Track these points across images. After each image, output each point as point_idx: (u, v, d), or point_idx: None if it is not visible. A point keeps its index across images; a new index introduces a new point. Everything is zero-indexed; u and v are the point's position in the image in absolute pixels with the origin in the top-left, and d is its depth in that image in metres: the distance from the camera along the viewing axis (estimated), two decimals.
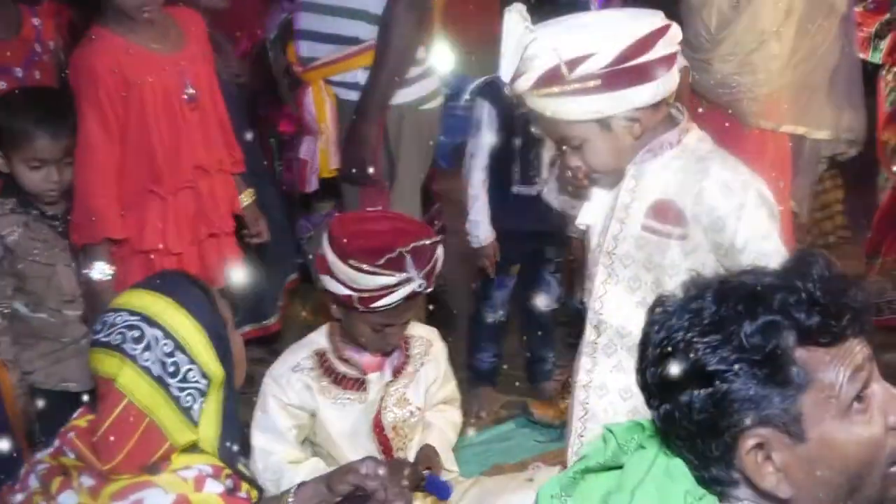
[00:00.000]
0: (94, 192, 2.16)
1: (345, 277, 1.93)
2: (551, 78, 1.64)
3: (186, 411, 1.44)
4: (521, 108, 1.80)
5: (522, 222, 3.07)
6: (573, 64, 1.62)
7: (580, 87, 1.63)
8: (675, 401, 0.92)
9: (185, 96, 2.22)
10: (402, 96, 2.56)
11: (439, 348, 2.23)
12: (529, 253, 3.20)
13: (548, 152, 3.05)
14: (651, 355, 0.95)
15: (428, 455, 2.10)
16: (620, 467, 0.97)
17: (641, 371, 0.98)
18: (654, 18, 1.69)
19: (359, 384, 2.10)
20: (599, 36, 1.65)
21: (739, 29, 2.85)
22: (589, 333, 1.87)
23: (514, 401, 3.24)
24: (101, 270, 2.14)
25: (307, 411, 2.08)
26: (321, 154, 2.63)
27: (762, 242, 1.69)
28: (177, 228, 2.23)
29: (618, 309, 1.82)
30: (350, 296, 1.94)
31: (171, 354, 1.44)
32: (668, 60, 1.68)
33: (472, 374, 3.18)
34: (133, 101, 2.16)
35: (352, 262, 1.91)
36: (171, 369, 1.43)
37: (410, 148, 2.63)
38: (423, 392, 2.16)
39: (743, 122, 2.91)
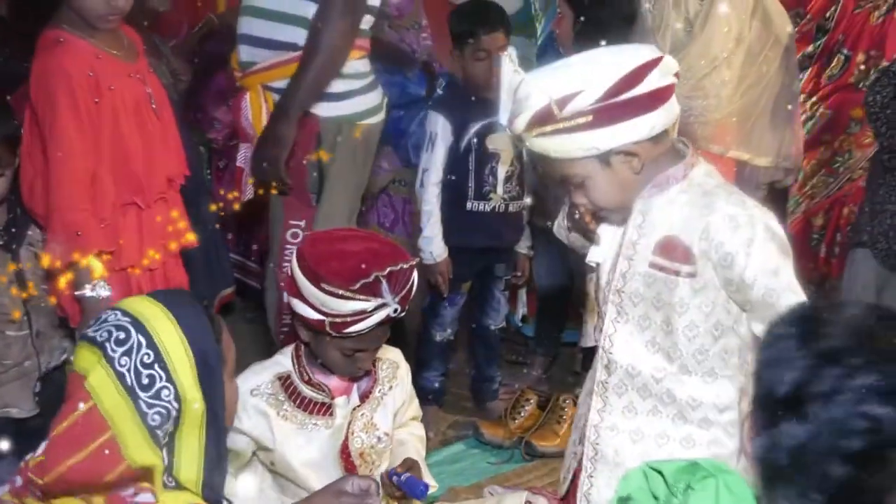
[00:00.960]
0: (74, 205, 2.00)
1: (316, 302, 1.85)
2: (544, 117, 1.64)
3: (152, 430, 1.33)
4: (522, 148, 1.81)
5: (476, 239, 3.07)
6: (563, 102, 1.62)
7: (572, 124, 1.63)
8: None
9: (153, 105, 2.11)
10: (340, 109, 2.51)
11: (405, 369, 2.17)
12: (481, 270, 3.19)
13: (503, 167, 3.06)
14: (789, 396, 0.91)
15: (411, 466, 2.03)
16: None
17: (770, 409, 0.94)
18: (641, 51, 1.69)
19: (325, 409, 2.01)
20: (586, 72, 1.66)
21: (692, 53, 2.91)
22: (600, 373, 1.83)
23: (462, 421, 3.22)
24: (96, 287, 1.99)
25: (259, 443, 1.98)
26: None
27: (772, 278, 1.68)
28: (152, 242, 2.11)
29: (628, 348, 1.79)
30: (322, 321, 1.85)
31: (148, 366, 1.33)
32: (664, 92, 1.67)
33: (418, 394, 3.11)
34: (105, 108, 2.02)
35: (324, 286, 1.82)
36: (145, 381, 1.32)
37: (345, 163, 2.55)
38: (391, 416, 2.10)
39: (692, 145, 2.98)
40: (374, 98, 2.62)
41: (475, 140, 3.00)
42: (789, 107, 3.16)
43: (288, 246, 2.54)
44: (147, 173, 2.11)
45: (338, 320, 1.84)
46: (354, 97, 2.53)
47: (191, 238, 2.22)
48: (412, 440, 2.17)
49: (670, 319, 1.73)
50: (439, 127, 3.00)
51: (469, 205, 3.03)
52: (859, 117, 3.58)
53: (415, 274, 1.93)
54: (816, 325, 0.93)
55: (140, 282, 2.08)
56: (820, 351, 0.90)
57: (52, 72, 1.99)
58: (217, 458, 1.42)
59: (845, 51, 3.69)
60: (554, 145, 1.68)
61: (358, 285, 1.81)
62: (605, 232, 1.83)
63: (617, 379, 1.81)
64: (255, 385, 1.99)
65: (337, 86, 2.48)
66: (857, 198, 3.42)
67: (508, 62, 1.72)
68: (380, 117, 2.66)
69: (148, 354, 1.33)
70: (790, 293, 1.69)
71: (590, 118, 1.63)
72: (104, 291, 2.00)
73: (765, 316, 1.68)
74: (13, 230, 2.09)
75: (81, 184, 2.00)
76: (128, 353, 1.33)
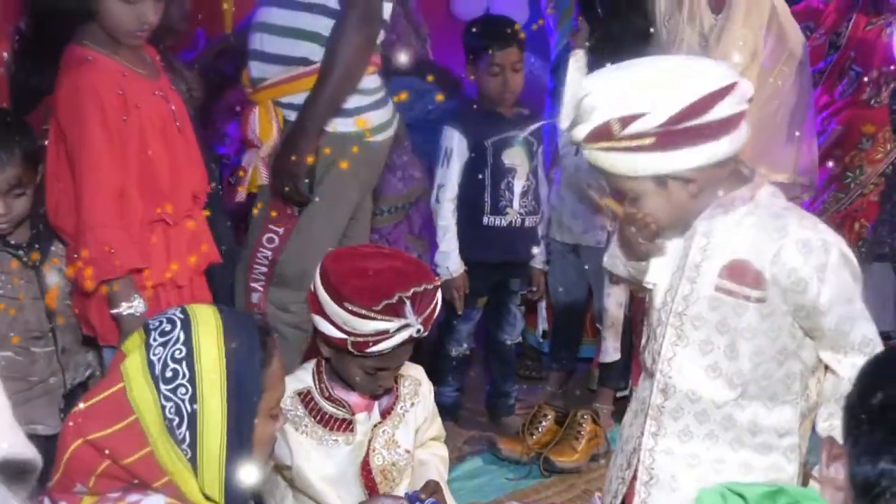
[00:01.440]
0: (106, 222, 1.99)
1: (339, 320, 1.83)
2: (603, 133, 1.60)
3: (170, 426, 1.31)
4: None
5: (492, 254, 3.08)
6: (625, 121, 1.58)
7: (632, 144, 1.59)
8: None
9: (177, 122, 2.11)
10: (348, 125, 2.50)
11: (427, 387, 2.16)
12: (497, 285, 3.18)
13: (519, 182, 3.06)
14: None
15: (434, 489, 2.01)
16: None
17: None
18: (721, 72, 1.64)
19: (346, 425, 1.99)
20: (656, 94, 1.60)
21: None
22: (655, 396, 1.78)
23: (477, 436, 3.20)
24: (134, 306, 1.98)
25: (276, 460, 1.97)
26: (253, 169, 2.55)
27: (847, 306, 1.64)
28: (180, 260, 2.10)
29: (688, 373, 1.74)
30: (344, 339, 1.84)
31: (177, 361, 1.32)
32: (734, 120, 1.62)
33: None
34: (133, 126, 2.02)
35: (347, 305, 1.81)
36: (169, 374, 1.32)
37: (341, 179, 2.53)
38: (413, 434, 2.08)
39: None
40: (383, 115, 2.61)
41: (491, 155, 3.01)
42: (804, 122, 3.16)
43: (262, 249, 2.54)
44: (173, 190, 2.11)
45: (360, 339, 1.83)
46: (363, 113, 2.53)
47: (216, 255, 2.22)
48: (434, 461, 2.15)
49: (735, 345, 1.68)
50: (455, 142, 3.01)
51: (485, 219, 3.04)
52: (871, 133, 3.59)
53: (439, 294, 1.91)
54: None
55: (169, 299, 2.07)
56: None
57: (81, 90, 1.99)
58: (240, 488, 1.37)
59: (857, 67, 3.70)
60: (610, 161, 1.65)
61: (381, 306, 1.80)
62: (659, 254, 1.78)
63: (675, 403, 1.76)
64: None
65: (347, 101, 2.48)
66: (869, 213, 3.44)
67: (575, 65, 1.68)
68: (387, 134, 2.64)
69: (180, 350, 1.33)
70: (864, 321, 1.66)
71: (651, 141, 1.59)
72: (142, 307, 2.00)
73: (836, 344, 1.66)
74: (36, 246, 2.08)
75: (112, 201, 2.00)
76: (164, 344, 1.33)
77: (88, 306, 2.08)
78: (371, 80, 2.55)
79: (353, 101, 2.50)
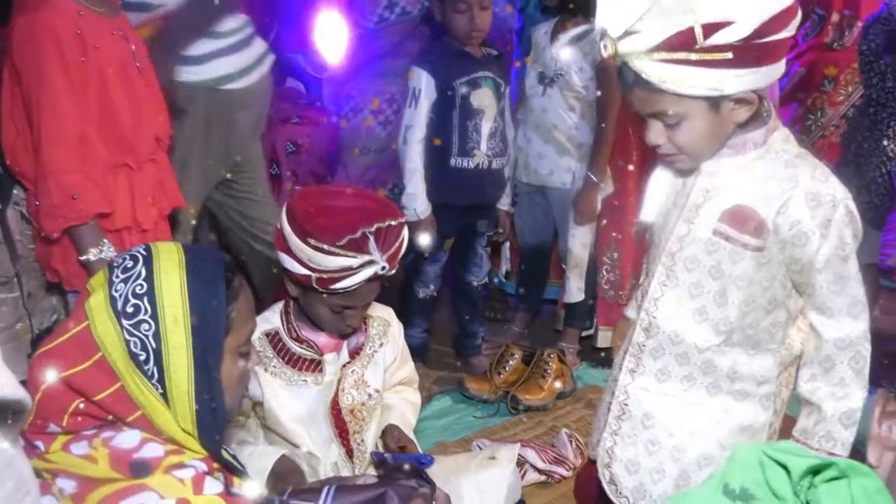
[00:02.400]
0: (69, 168, 1.93)
1: (303, 257, 1.83)
2: (681, 42, 1.42)
3: (136, 361, 1.30)
4: (616, 67, 1.54)
5: (459, 196, 3.06)
6: (710, 30, 1.41)
7: (710, 57, 1.43)
8: None
9: (137, 63, 2.04)
10: (195, 74, 2.43)
11: (397, 328, 2.17)
12: (464, 227, 3.18)
13: (487, 123, 3.04)
14: None
15: (398, 436, 2.04)
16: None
17: None
18: None
19: (314, 365, 2.01)
20: (741, 1, 1.43)
21: None
22: (637, 335, 1.75)
23: (446, 377, 3.23)
24: (102, 251, 1.94)
25: (252, 398, 1.98)
26: None
27: (842, 265, 1.59)
28: (143, 204, 2.06)
29: (674, 314, 1.70)
30: (308, 276, 1.83)
31: (138, 296, 1.30)
32: (787, 43, 1.51)
33: None
34: (91, 67, 1.95)
35: (311, 241, 1.80)
36: (130, 310, 1.30)
37: (198, 128, 2.48)
38: (382, 374, 2.10)
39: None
40: (241, 60, 2.51)
41: (459, 96, 2.98)
42: None
43: None
44: (136, 133, 2.06)
45: (324, 276, 1.82)
46: (214, 60, 2.44)
47: (179, 199, 2.18)
48: (400, 406, 2.16)
49: (726, 291, 1.63)
50: (423, 82, 2.97)
51: (453, 161, 3.02)
52: (832, 75, 3.62)
53: (405, 232, 1.90)
54: None
55: (133, 243, 2.02)
56: None
57: (37, 30, 1.91)
58: (212, 420, 1.37)
59: (820, 11, 3.71)
60: (676, 75, 1.46)
61: (345, 241, 1.79)
62: (657, 190, 1.72)
63: (656, 343, 1.72)
64: None
65: (198, 47, 2.39)
66: (830, 155, 3.47)
67: None
68: (246, 81, 2.53)
69: (141, 286, 1.31)
70: (855, 283, 1.61)
71: (729, 55, 1.43)
72: (111, 252, 1.96)
73: (823, 305, 1.62)
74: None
75: (73, 146, 1.94)
76: (126, 280, 1.31)
77: (52, 252, 2.04)
78: (227, 22, 2.45)
79: (202, 47, 2.41)
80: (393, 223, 1.86)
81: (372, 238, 1.81)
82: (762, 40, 1.44)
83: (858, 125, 3.26)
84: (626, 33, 1.46)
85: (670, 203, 1.71)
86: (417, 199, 2.99)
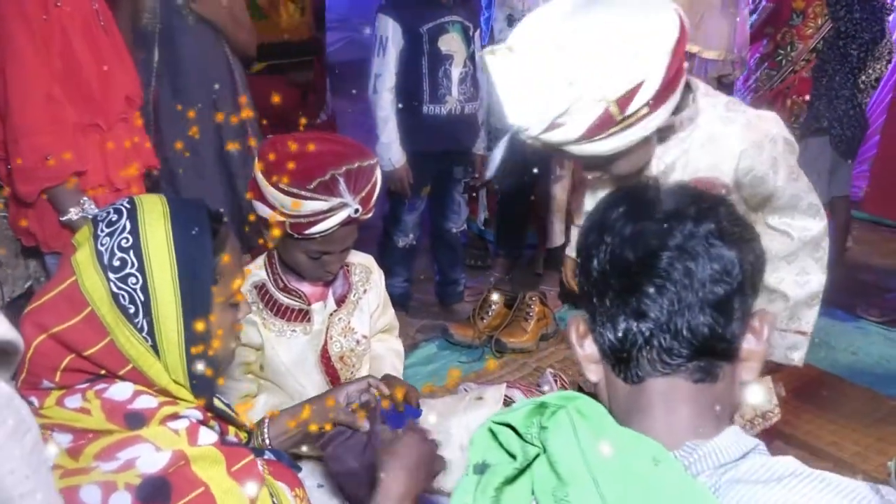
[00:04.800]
0: (40, 128, 1.89)
1: (275, 202, 1.81)
2: (603, 124, 1.47)
3: (126, 314, 1.28)
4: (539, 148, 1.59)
5: (433, 143, 3.05)
6: (625, 101, 1.45)
7: (633, 119, 1.48)
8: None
9: (101, 22, 1.99)
10: None
11: (378, 274, 2.16)
12: (440, 174, 3.17)
13: (456, 69, 3.01)
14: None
15: (398, 386, 2.03)
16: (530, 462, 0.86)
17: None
18: (669, 6, 1.52)
19: (302, 315, 2.00)
20: (642, 61, 1.45)
21: None
22: None
23: (429, 324, 3.25)
24: (84, 209, 1.90)
25: (253, 347, 1.98)
26: None
27: (795, 184, 1.77)
28: (116, 164, 2.02)
29: None
30: (282, 221, 1.82)
31: (124, 250, 1.28)
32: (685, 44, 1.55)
33: None
34: (54, 25, 1.90)
35: (281, 185, 1.78)
36: (117, 263, 1.28)
37: None
38: (368, 320, 2.10)
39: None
40: None
41: (427, 42, 2.95)
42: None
43: None
44: (104, 93, 2.02)
45: (298, 221, 1.81)
46: None
47: (153, 159, 2.15)
48: (389, 355, 2.17)
49: None
50: (389, 30, 2.94)
51: (425, 108, 3.00)
52: (800, 9, 3.61)
53: (377, 174, 1.88)
54: (645, 196, 0.92)
55: (107, 202, 1.97)
56: (664, 212, 0.89)
57: None
58: (204, 371, 1.34)
59: None
60: (609, 145, 1.52)
61: (314, 184, 1.77)
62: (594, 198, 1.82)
63: None
64: None
65: None
66: (801, 89, 3.49)
67: (495, 63, 1.47)
68: None
69: (127, 239, 1.29)
70: (810, 192, 1.80)
71: (647, 109, 1.48)
72: (93, 209, 1.92)
73: (785, 213, 1.79)
74: None
75: (42, 106, 1.90)
76: (111, 234, 1.29)
77: (27, 215, 2.00)
78: None
79: None
80: (363, 164, 1.84)
81: (342, 180, 1.79)
82: (671, 76, 1.48)
83: (828, 58, 3.28)
84: (550, 127, 1.48)
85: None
86: (391, 148, 2.98)
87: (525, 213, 3.55)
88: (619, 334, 0.90)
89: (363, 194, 1.83)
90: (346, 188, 1.79)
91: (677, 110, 1.64)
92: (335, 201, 1.79)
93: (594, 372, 0.96)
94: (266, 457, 1.40)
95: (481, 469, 0.89)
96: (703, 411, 0.90)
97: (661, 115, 1.54)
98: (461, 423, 2.06)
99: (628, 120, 1.48)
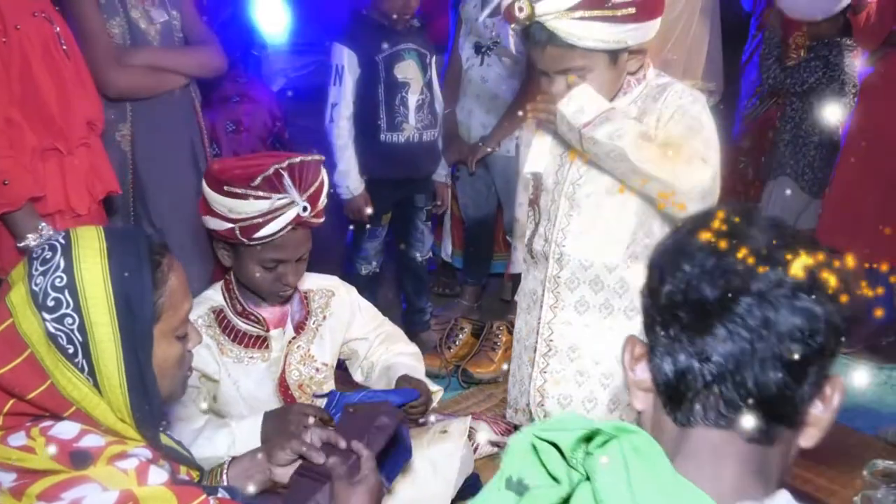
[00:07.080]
0: None
1: (222, 208, 1.79)
2: (596, 0, 1.61)
3: (65, 354, 1.24)
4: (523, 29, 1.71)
5: (392, 170, 3.03)
6: None
7: (618, 13, 1.62)
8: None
9: (63, 45, 1.96)
10: None
11: (342, 295, 2.11)
12: (401, 202, 3.15)
13: (413, 96, 3.00)
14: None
15: (413, 382, 1.98)
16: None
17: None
18: None
19: (261, 342, 1.96)
20: None
21: None
22: (551, 268, 1.87)
23: None
24: (42, 234, 1.86)
25: (209, 376, 1.92)
26: None
27: (697, 124, 1.77)
28: (76, 188, 1.98)
29: (580, 239, 1.83)
30: (231, 228, 1.79)
31: (58, 289, 1.24)
32: None
33: None
34: (13, 47, 1.86)
35: (226, 188, 1.77)
36: (51, 304, 1.23)
37: None
38: (329, 347, 2.05)
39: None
40: None
41: (383, 70, 2.94)
42: (709, 29, 3.19)
43: None
44: (64, 117, 1.98)
45: (246, 224, 1.78)
46: None
47: (114, 184, 2.11)
48: (400, 360, 2.09)
49: (626, 203, 1.80)
50: (345, 59, 2.93)
51: (382, 136, 2.98)
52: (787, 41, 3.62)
53: (323, 173, 1.87)
54: (736, 227, 0.84)
55: (66, 227, 1.91)
56: (754, 251, 0.81)
57: None
58: (149, 410, 1.31)
59: None
60: (585, 31, 1.65)
61: (258, 180, 1.76)
62: (542, 140, 1.86)
63: (569, 273, 1.84)
64: (192, 319, 1.91)
65: None
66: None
67: None
68: None
69: (61, 278, 1.25)
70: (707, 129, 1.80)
71: (633, 10, 1.62)
72: (50, 233, 1.87)
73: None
74: None
75: (0, 130, 1.86)
76: (45, 272, 1.25)
77: None
78: None
79: None
80: (307, 160, 1.83)
81: (286, 174, 1.78)
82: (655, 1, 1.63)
83: (794, 106, 3.33)
84: None
85: (559, 149, 1.87)
86: (349, 175, 2.96)
87: (490, 241, 3.54)
88: (678, 371, 0.83)
89: (310, 192, 1.82)
90: (291, 183, 1.78)
91: (634, 74, 1.77)
92: (280, 198, 1.77)
93: (641, 400, 0.89)
94: (220, 495, 1.35)
95: (518, 488, 0.82)
96: (753, 473, 0.83)
97: (638, 33, 1.66)
98: (424, 457, 2.00)
99: (615, 10, 1.60)
